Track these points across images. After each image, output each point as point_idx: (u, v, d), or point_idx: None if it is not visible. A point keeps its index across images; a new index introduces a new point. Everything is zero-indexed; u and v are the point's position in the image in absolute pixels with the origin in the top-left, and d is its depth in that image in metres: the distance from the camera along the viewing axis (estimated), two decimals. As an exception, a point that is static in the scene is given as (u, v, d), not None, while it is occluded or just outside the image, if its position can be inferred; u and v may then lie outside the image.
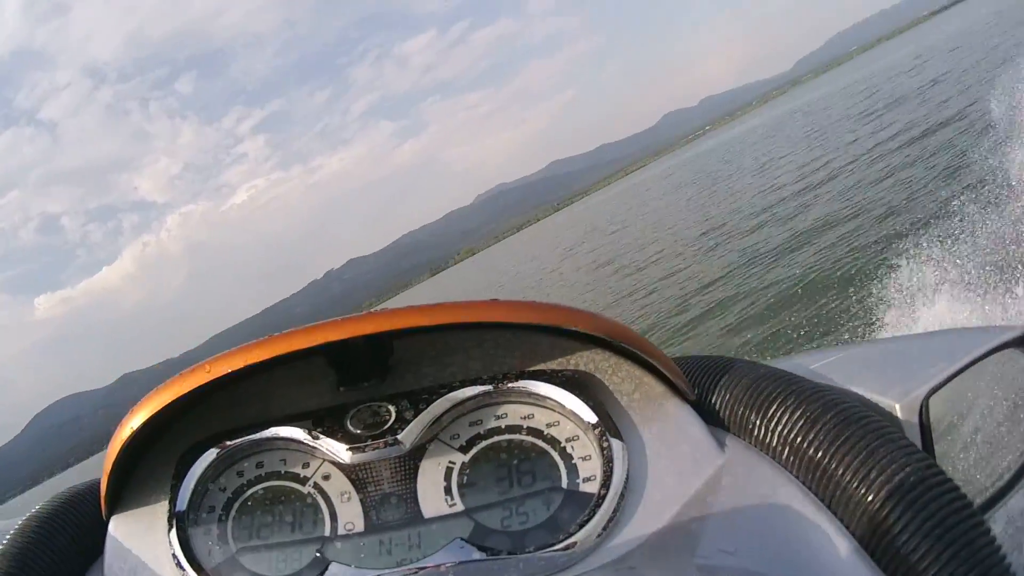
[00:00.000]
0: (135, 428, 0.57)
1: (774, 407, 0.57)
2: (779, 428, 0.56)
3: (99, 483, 0.63)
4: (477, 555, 0.53)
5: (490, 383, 0.62)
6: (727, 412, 0.62)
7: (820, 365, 0.75)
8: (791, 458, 0.55)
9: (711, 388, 0.64)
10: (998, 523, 0.76)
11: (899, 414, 0.66)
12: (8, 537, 0.59)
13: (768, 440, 0.57)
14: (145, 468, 0.64)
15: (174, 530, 0.58)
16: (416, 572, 0.54)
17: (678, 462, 0.59)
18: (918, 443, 0.66)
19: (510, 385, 0.62)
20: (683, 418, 0.62)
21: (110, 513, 0.62)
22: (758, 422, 0.58)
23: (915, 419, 0.67)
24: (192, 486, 0.60)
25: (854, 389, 0.69)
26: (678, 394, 0.63)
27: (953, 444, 0.75)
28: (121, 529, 0.61)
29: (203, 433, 0.63)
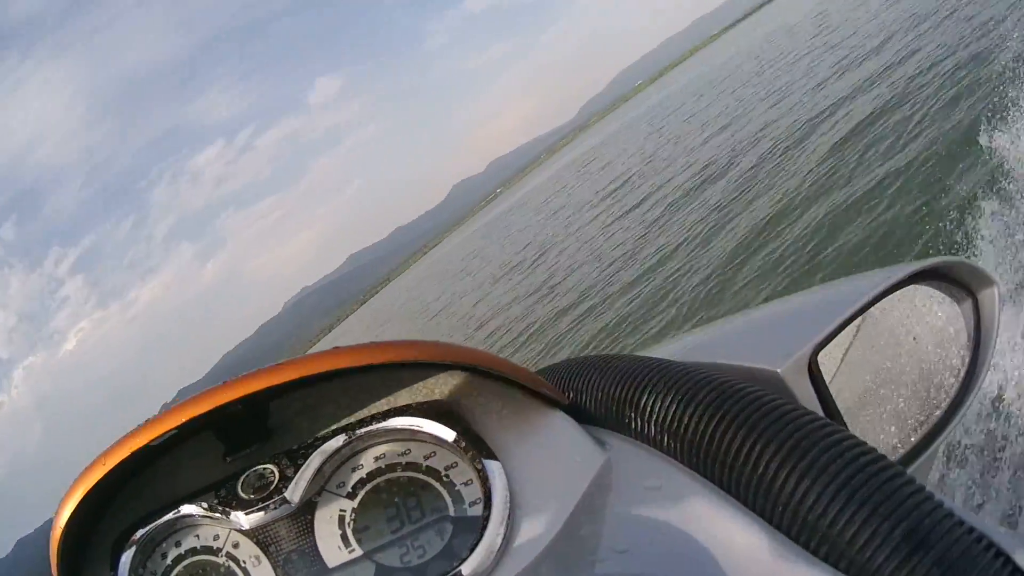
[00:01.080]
0: (61, 529, 0.58)
1: (645, 396, 0.56)
2: (654, 416, 0.54)
3: None
4: None
5: (357, 427, 0.63)
6: (602, 410, 0.61)
7: (698, 344, 0.74)
8: (672, 444, 0.53)
9: (583, 389, 0.63)
10: (924, 472, 0.71)
11: (785, 378, 0.62)
12: None
13: (646, 431, 0.55)
14: (87, 564, 0.64)
15: None
16: None
17: (560, 469, 0.58)
18: (814, 404, 0.63)
19: (377, 426, 0.63)
20: (557, 425, 0.62)
21: None
22: (633, 414, 0.57)
23: (805, 379, 0.63)
24: (126, 574, 0.62)
25: (734, 362, 0.65)
26: (547, 402, 0.63)
27: (850, 398, 0.70)
28: None
29: (127, 520, 0.64)
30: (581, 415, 0.63)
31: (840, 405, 0.64)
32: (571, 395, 0.64)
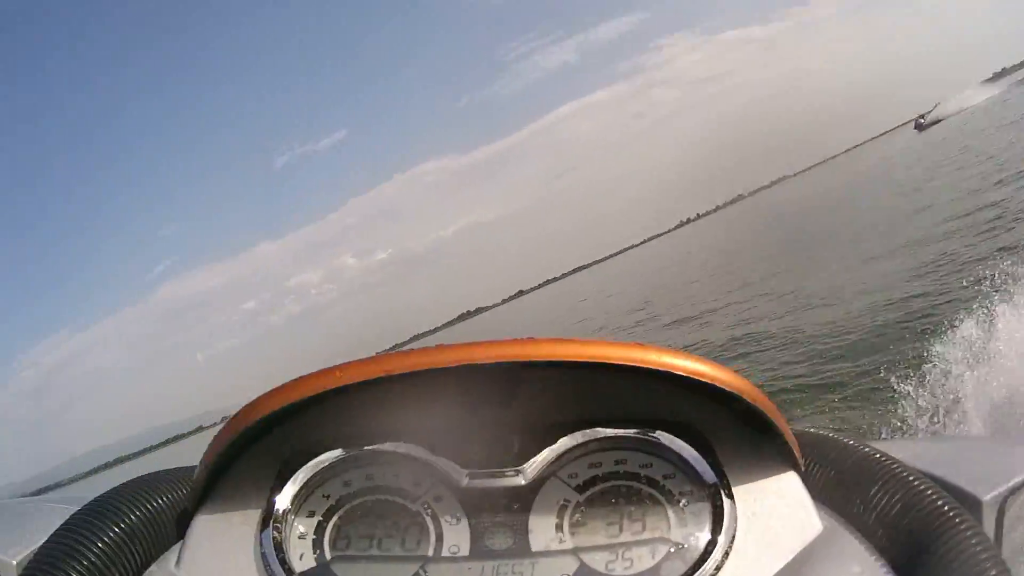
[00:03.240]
0: (250, 423, 0.56)
1: (874, 488, 0.58)
2: (876, 509, 0.57)
3: (178, 472, 0.64)
4: None
5: (617, 428, 0.63)
6: (829, 487, 0.63)
7: (920, 451, 0.75)
8: (884, 540, 0.56)
9: (815, 461, 0.65)
10: None
11: (984, 508, 0.67)
12: (82, 509, 0.58)
13: (865, 519, 0.58)
14: (244, 465, 0.62)
15: (269, 528, 0.58)
16: None
17: (780, 529, 0.59)
18: (993, 538, 0.68)
19: (636, 433, 0.63)
20: (792, 488, 0.62)
21: (198, 504, 0.61)
22: (857, 500, 0.59)
23: (994, 515, 0.68)
24: (296, 490, 0.60)
25: (948, 478, 0.69)
26: (791, 464, 0.63)
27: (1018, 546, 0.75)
28: (209, 522, 0.60)
29: (315, 437, 0.62)
30: (806, 484, 0.64)
31: (1005, 551, 0.69)
32: (804, 462, 0.66)
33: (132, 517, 0.58)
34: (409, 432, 0.63)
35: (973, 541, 0.52)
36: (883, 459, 0.61)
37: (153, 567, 0.59)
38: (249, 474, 0.62)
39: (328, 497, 0.62)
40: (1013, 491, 0.69)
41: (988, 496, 0.67)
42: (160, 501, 0.61)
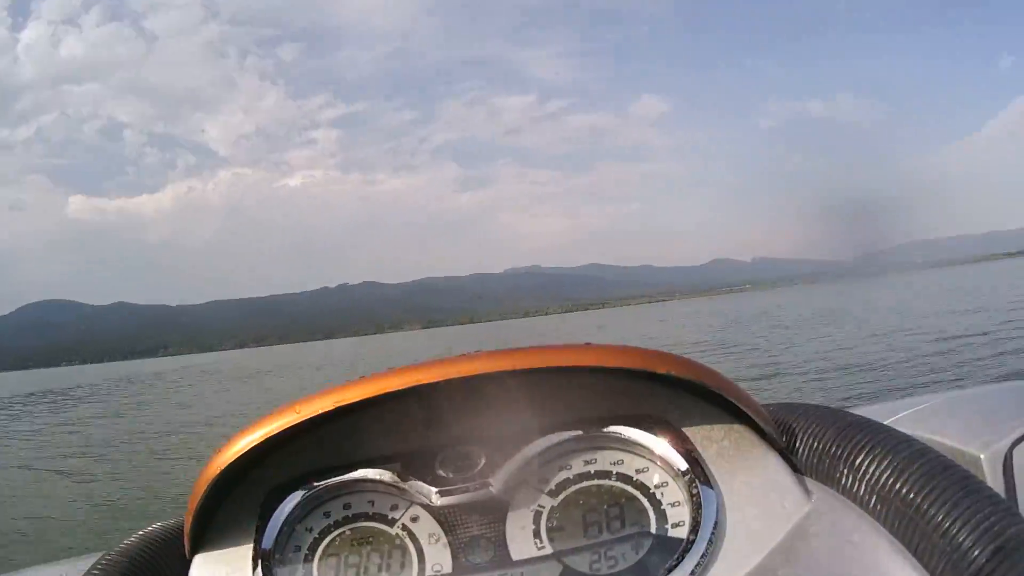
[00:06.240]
0: (223, 467, 0.58)
1: (862, 456, 0.57)
2: (866, 477, 0.56)
3: (179, 524, 0.64)
4: None
5: (581, 429, 0.63)
6: (814, 459, 0.62)
7: (907, 413, 0.75)
8: (878, 507, 0.55)
9: (798, 435, 0.64)
10: None
11: (984, 464, 0.66)
12: (90, 571, 0.59)
13: (855, 488, 0.57)
14: (230, 508, 0.64)
15: (259, 569, 0.59)
16: None
17: (766, 509, 0.59)
18: (1002, 493, 0.67)
19: (601, 431, 0.63)
20: (772, 466, 0.62)
21: (193, 552, 0.62)
22: (845, 470, 0.58)
23: (999, 469, 0.67)
24: (279, 526, 0.61)
25: (939, 439, 0.69)
26: (767, 441, 0.63)
27: None
28: (205, 568, 0.61)
29: (289, 474, 0.64)
30: (790, 459, 0.63)
31: (1021, 500, 0.67)
32: (785, 438, 0.65)
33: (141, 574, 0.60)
34: (376, 457, 0.63)
35: (976, 497, 0.50)
36: (869, 425, 0.60)
37: None
38: (233, 516, 0.63)
39: (311, 530, 0.62)
40: (1019, 441, 0.68)
41: (988, 451, 0.67)
42: (163, 555, 0.63)
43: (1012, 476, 0.67)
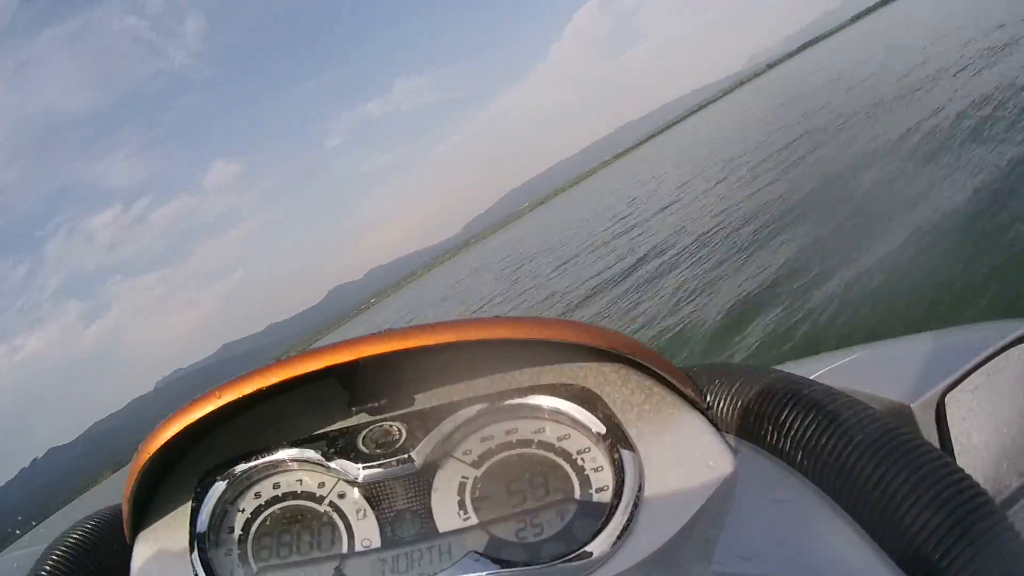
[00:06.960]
0: (152, 453, 0.58)
1: (785, 412, 0.56)
2: (792, 432, 0.55)
3: (118, 509, 0.65)
4: (492, 567, 0.54)
5: (498, 400, 0.63)
6: (739, 418, 0.61)
7: (832, 368, 0.74)
8: (805, 462, 0.54)
9: (722, 395, 0.63)
10: (1020, 520, 0.74)
11: (915, 414, 0.65)
12: (36, 563, 0.61)
13: (781, 445, 0.56)
14: (165, 492, 0.65)
15: (196, 552, 0.59)
16: None
17: (691, 470, 0.59)
18: (935, 442, 0.66)
19: (518, 401, 0.63)
20: (694, 426, 0.61)
21: (133, 537, 0.64)
22: (770, 427, 0.57)
23: (931, 418, 0.66)
24: (211, 508, 0.62)
25: (868, 390, 0.68)
26: (689, 403, 0.62)
27: (972, 442, 0.72)
28: (144, 552, 0.63)
29: (220, 457, 0.65)
30: (716, 420, 0.63)
31: (957, 447, 0.67)
32: (708, 399, 0.64)
33: (87, 563, 0.61)
34: (304, 437, 0.64)
35: (906, 448, 0.49)
36: (793, 380, 0.59)
37: None
38: (169, 500, 0.64)
39: (244, 511, 0.63)
40: (949, 389, 0.67)
41: (918, 401, 0.65)
42: (107, 540, 0.64)
43: (946, 425, 0.67)
